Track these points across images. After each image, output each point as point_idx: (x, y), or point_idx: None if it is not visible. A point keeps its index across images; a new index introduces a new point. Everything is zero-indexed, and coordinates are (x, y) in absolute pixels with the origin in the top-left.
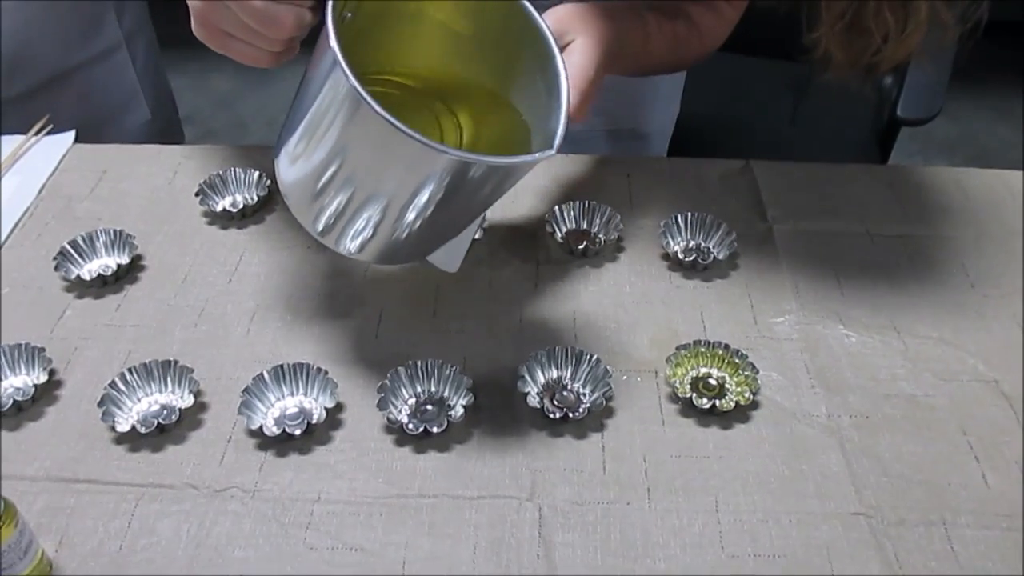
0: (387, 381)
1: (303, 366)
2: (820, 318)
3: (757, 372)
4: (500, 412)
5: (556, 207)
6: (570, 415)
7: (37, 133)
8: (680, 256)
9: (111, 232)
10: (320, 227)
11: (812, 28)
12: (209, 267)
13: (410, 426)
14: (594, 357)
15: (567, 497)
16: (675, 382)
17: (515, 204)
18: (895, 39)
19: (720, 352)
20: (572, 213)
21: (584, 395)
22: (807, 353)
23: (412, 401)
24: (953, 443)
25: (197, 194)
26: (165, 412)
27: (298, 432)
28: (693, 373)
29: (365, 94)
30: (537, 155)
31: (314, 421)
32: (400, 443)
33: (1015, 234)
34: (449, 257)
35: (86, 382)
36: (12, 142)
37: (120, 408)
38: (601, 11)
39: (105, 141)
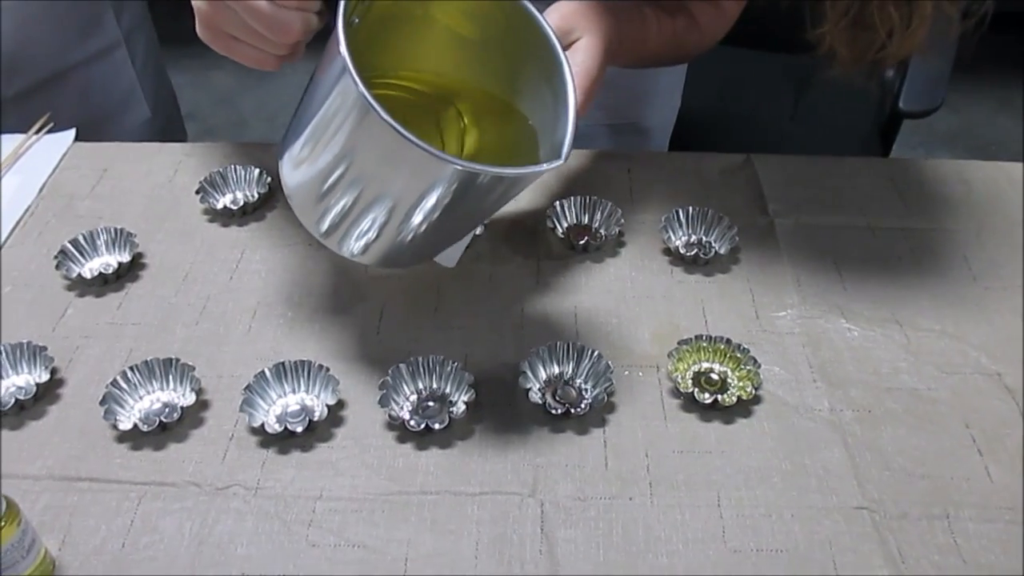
0: (389, 378)
1: (304, 363)
2: (822, 312)
3: (759, 366)
4: (502, 408)
5: (557, 202)
6: (572, 411)
7: (38, 132)
8: (681, 251)
9: (112, 230)
10: (323, 229)
11: (816, 24)
12: (210, 265)
13: (412, 423)
14: (595, 352)
15: (569, 493)
16: (677, 377)
17: (516, 200)
18: (899, 35)
19: (722, 347)
20: (573, 208)
21: (586, 391)
22: (809, 347)
23: (414, 398)
24: (956, 436)
25: (198, 192)
26: (167, 410)
27: (300, 429)
28: (695, 368)
29: (374, 102)
30: (544, 166)
31: (316, 418)
32: (402, 440)
33: (1017, 226)
34: (448, 252)
35: (88, 380)
36: (12, 141)
37: (122, 406)
38: (604, 8)
39: (105, 140)
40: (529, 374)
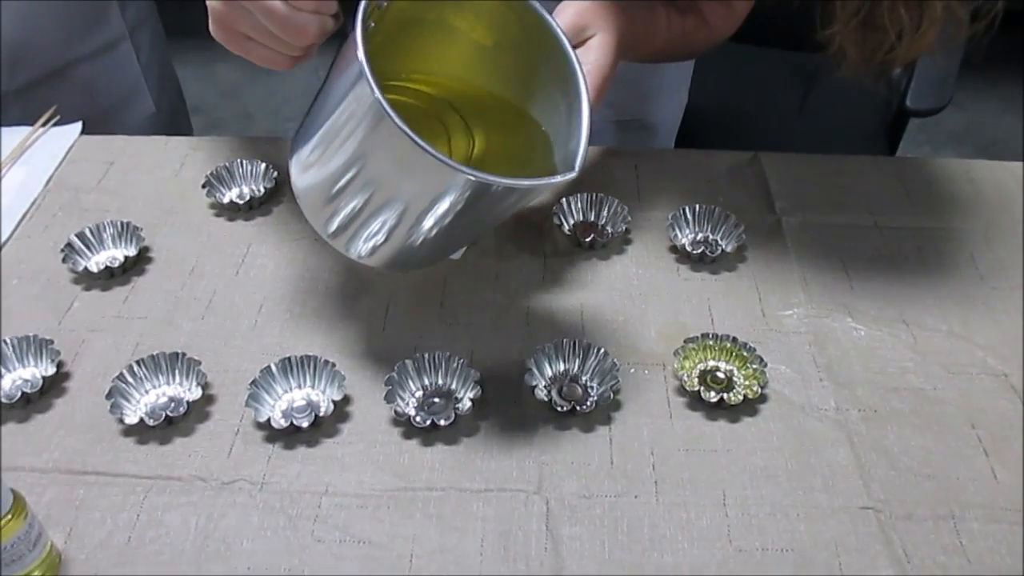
0: (394, 374)
1: (310, 358)
2: (828, 311)
3: (765, 365)
4: (507, 405)
5: (563, 199)
6: (577, 408)
7: (44, 124)
8: (688, 248)
9: (118, 224)
10: (331, 230)
11: (826, 25)
12: (216, 259)
13: (417, 419)
14: (601, 350)
15: (574, 490)
16: (683, 375)
17: None
18: (909, 36)
19: (728, 345)
20: (579, 205)
21: (592, 388)
22: (815, 346)
23: (419, 394)
24: (962, 437)
25: (204, 186)
26: (173, 404)
27: (305, 424)
28: (701, 366)
29: (389, 109)
30: (558, 178)
31: (321, 414)
32: (407, 436)
33: None
34: None
35: (94, 374)
36: (19, 133)
37: (128, 400)
38: (617, 5)
39: (110, 134)
40: (535, 371)
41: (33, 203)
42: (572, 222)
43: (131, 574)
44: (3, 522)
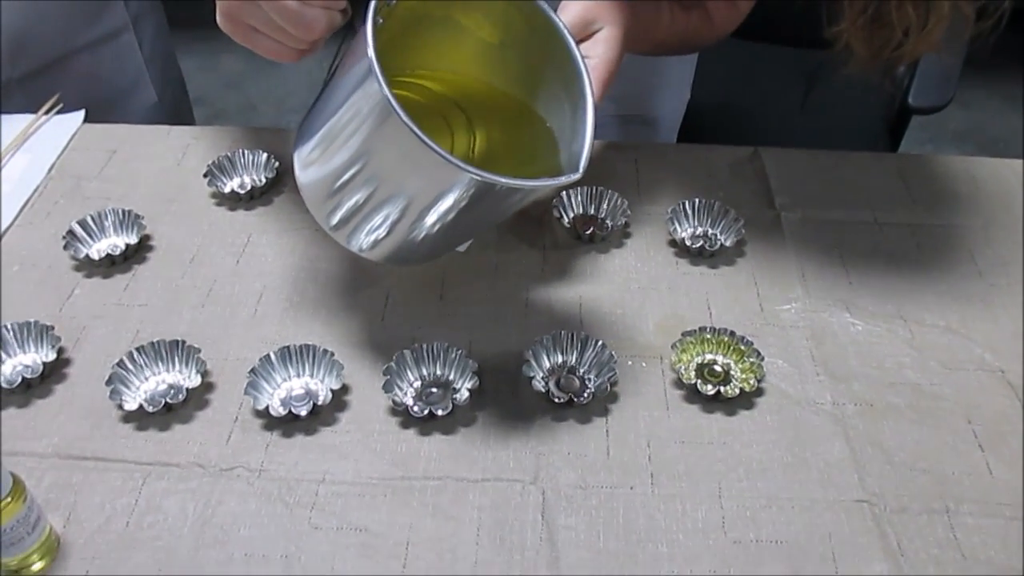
0: (393, 364)
1: (309, 347)
2: (827, 306)
3: (762, 359)
4: (505, 396)
5: (563, 192)
6: (575, 400)
7: (47, 112)
8: (687, 242)
9: (120, 212)
10: (334, 222)
11: (833, 22)
12: (217, 248)
13: (415, 408)
14: (599, 342)
15: (571, 481)
16: (680, 368)
17: None
18: (916, 34)
19: (726, 339)
20: (579, 198)
21: (589, 380)
22: (813, 341)
23: (417, 384)
24: (958, 432)
25: (205, 175)
26: (172, 391)
27: (304, 413)
28: (698, 359)
29: (397, 105)
30: (562, 179)
31: (320, 402)
32: (405, 425)
33: None
34: None
35: (94, 361)
36: (22, 121)
37: (128, 387)
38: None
39: (112, 123)
40: (533, 362)
41: (35, 190)
42: (572, 215)
43: (129, 558)
44: (2, 505)
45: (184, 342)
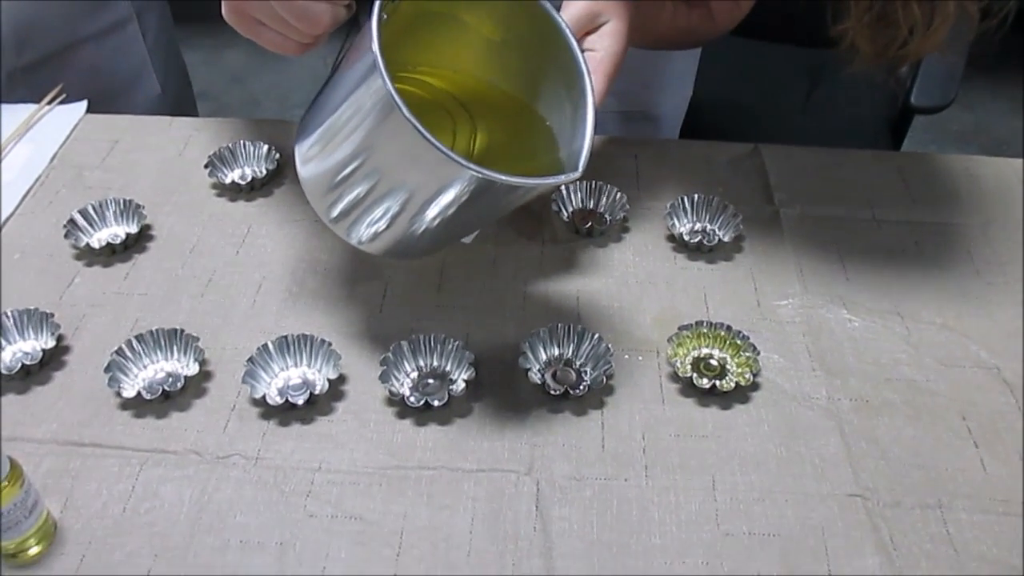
0: (390, 354)
1: (307, 337)
2: (824, 302)
3: (758, 354)
4: (501, 387)
5: (562, 187)
6: (570, 392)
7: (50, 102)
8: (685, 238)
9: (121, 202)
10: (334, 215)
11: (838, 21)
12: (217, 238)
13: (411, 399)
14: (596, 335)
15: (565, 472)
16: (676, 362)
17: None
18: (921, 33)
19: (722, 333)
20: (578, 193)
21: (585, 373)
22: (809, 336)
23: (414, 374)
24: (952, 428)
25: (206, 166)
26: (170, 379)
27: (301, 402)
28: (695, 353)
29: (401, 103)
30: (562, 177)
31: (317, 392)
32: (401, 416)
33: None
34: None
35: (93, 348)
36: (24, 111)
37: (126, 374)
38: None
39: (115, 114)
40: (529, 355)
41: (37, 179)
42: (571, 209)
43: (125, 544)
44: (0, 488)
45: (183, 331)
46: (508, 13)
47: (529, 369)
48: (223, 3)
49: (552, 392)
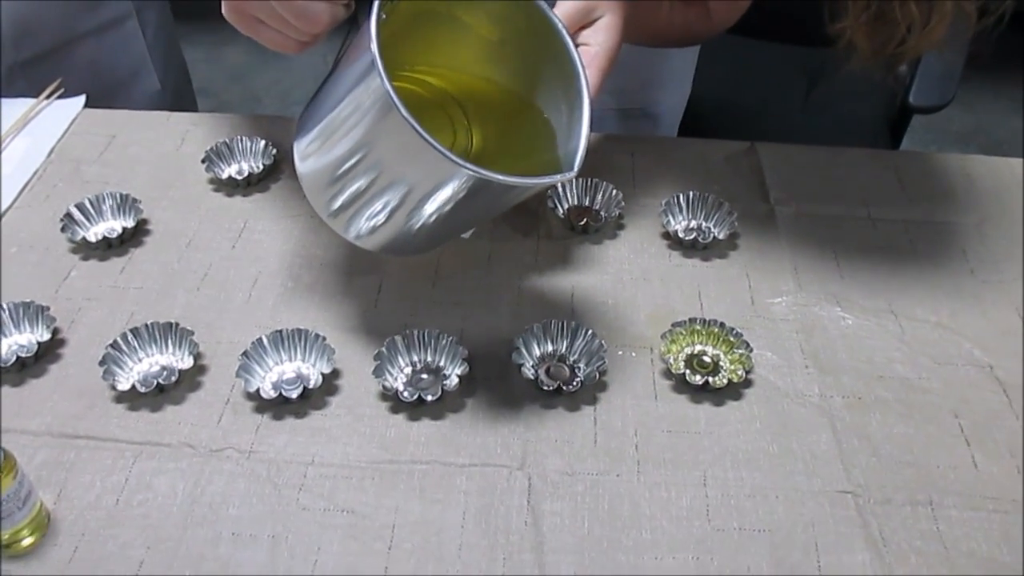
0: (384, 349)
1: (302, 332)
2: (818, 300)
3: (751, 351)
4: (494, 383)
5: (558, 184)
6: (564, 388)
7: (48, 97)
8: (680, 235)
9: (118, 196)
10: (331, 211)
11: (836, 19)
12: (213, 233)
13: (405, 394)
14: (590, 331)
15: (557, 467)
16: (669, 359)
17: None
18: (919, 31)
19: (716, 330)
20: (574, 190)
21: (578, 368)
22: (803, 334)
23: (408, 369)
24: (944, 426)
25: (203, 161)
26: (165, 373)
27: (294, 396)
28: (688, 350)
29: (399, 102)
30: (557, 177)
31: (311, 386)
32: (395, 410)
33: (1018, 222)
34: None
35: (89, 341)
36: (23, 105)
37: (121, 368)
38: None
39: (114, 109)
40: (523, 350)
41: (34, 173)
42: (566, 206)
43: (118, 535)
44: None
45: (178, 324)
46: (505, 13)
47: (523, 365)
48: (223, 1)
49: (545, 388)
